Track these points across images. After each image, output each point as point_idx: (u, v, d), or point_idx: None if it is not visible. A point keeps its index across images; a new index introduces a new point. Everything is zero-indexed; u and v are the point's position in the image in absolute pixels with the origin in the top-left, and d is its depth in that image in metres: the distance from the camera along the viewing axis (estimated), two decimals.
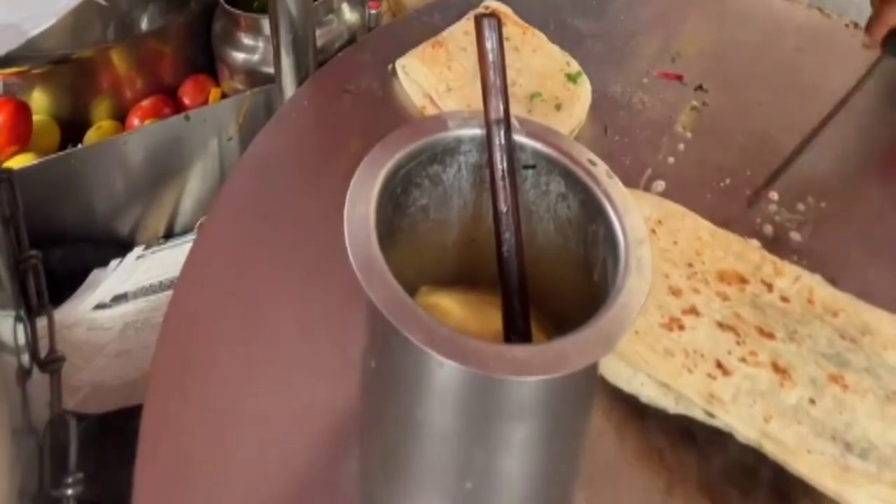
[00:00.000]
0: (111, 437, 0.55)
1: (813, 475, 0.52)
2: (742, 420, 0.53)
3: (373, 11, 1.16)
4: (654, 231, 0.63)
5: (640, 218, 0.42)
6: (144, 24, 1.09)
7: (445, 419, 0.40)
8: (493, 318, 0.44)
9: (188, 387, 0.57)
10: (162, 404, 0.55)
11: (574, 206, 0.45)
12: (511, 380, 0.36)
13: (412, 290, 0.48)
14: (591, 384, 0.43)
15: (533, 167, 0.46)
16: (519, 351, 0.36)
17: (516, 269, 0.43)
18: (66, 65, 1.06)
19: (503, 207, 0.43)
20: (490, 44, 0.45)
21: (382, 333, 0.40)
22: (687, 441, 0.55)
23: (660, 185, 0.71)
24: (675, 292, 0.59)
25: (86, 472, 0.53)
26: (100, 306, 0.86)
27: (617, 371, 0.57)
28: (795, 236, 0.69)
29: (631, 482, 0.54)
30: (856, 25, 0.92)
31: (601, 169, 0.44)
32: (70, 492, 0.52)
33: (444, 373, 0.38)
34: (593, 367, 0.40)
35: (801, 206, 0.71)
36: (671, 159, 0.75)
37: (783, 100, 0.83)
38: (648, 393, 0.56)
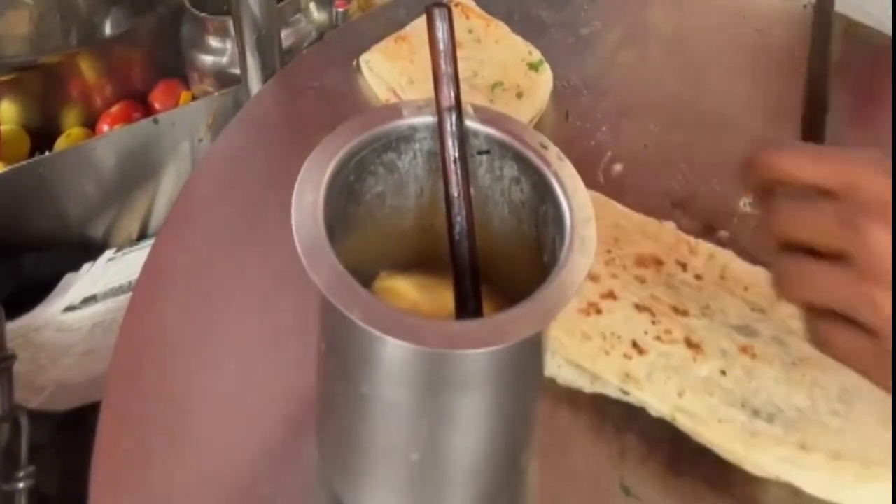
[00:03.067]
0: (78, 433, 0.56)
1: (724, 443, 0.54)
2: (656, 396, 0.55)
3: (340, 10, 1.17)
4: None
5: (587, 198, 0.43)
6: (108, 29, 1.09)
7: (390, 394, 0.41)
8: (448, 300, 0.45)
9: (146, 379, 0.58)
10: (120, 398, 0.56)
11: (526, 189, 0.46)
12: (451, 353, 0.37)
13: (371, 276, 0.49)
14: (537, 357, 0.44)
15: (487, 152, 0.47)
16: (458, 326, 0.37)
17: (468, 251, 0.44)
18: (33, 73, 1.06)
19: (455, 192, 0.44)
20: (440, 33, 0.45)
21: (329, 315, 0.41)
22: (640, 412, 0.57)
23: (618, 167, 0.72)
24: (594, 278, 0.60)
25: (52, 468, 0.54)
26: (69, 308, 0.86)
27: None
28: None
29: (585, 450, 0.55)
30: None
31: (552, 151, 0.45)
32: (22, 485, 0.53)
33: (386, 349, 0.39)
34: (536, 340, 0.41)
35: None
36: (631, 142, 0.76)
37: (742, 81, 0.83)
38: (565, 375, 0.58)
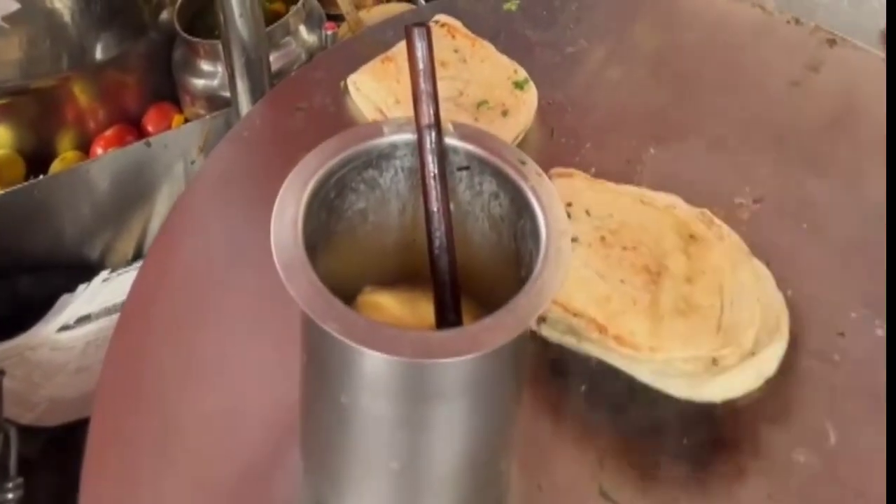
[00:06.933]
0: (69, 447, 0.57)
1: None
2: None
3: (329, 32, 1.18)
4: None
5: (563, 211, 0.44)
6: (99, 54, 1.10)
7: (369, 404, 0.42)
8: (429, 314, 0.46)
9: (134, 395, 0.58)
10: (108, 413, 0.57)
11: (505, 204, 0.47)
12: (426, 363, 0.38)
13: (355, 290, 0.50)
14: (514, 366, 0.45)
15: (467, 168, 0.48)
16: (432, 336, 0.38)
17: (447, 266, 0.44)
18: (26, 98, 1.08)
19: (434, 207, 0.45)
20: (420, 52, 0.46)
21: (309, 328, 0.42)
22: (621, 420, 0.58)
23: None
24: None
25: (44, 482, 0.54)
26: (63, 328, 0.87)
27: None
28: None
29: (565, 457, 0.56)
30: (797, 21, 0.94)
31: (530, 167, 0.46)
32: (11, 496, 0.54)
33: (363, 360, 0.40)
34: (513, 349, 0.42)
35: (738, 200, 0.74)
36: (614, 159, 0.77)
37: (726, 97, 0.84)
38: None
